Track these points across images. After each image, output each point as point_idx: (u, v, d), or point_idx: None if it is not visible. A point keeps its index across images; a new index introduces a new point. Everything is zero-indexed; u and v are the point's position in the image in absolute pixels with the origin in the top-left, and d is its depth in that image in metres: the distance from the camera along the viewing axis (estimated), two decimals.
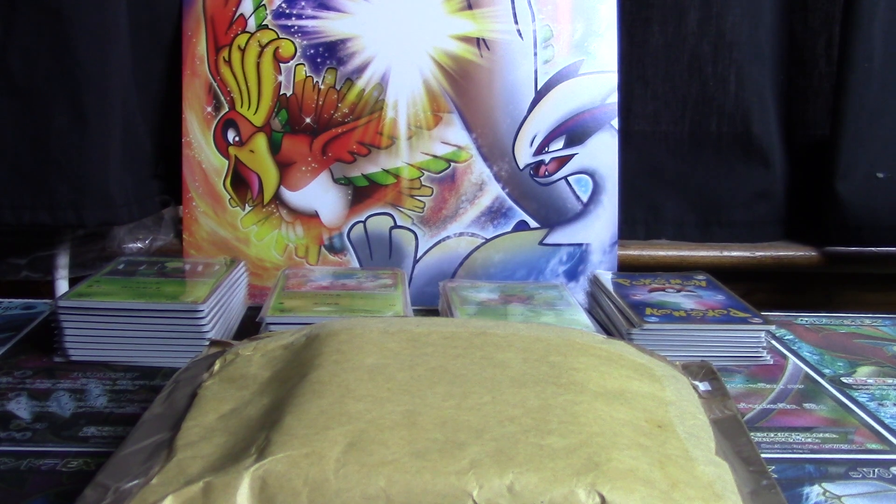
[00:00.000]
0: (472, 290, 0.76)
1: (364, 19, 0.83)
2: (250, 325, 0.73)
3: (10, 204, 0.77)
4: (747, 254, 0.92)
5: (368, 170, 0.84)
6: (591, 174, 0.85)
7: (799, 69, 0.93)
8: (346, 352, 0.48)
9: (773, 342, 0.73)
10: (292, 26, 0.83)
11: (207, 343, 0.58)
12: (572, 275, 0.86)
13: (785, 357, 0.70)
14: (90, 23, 0.76)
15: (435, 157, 0.84)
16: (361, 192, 0.84)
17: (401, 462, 0.37)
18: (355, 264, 0.85)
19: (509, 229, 0.85)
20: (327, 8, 0.83)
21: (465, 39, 0.84)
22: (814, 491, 0.48)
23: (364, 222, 0.85)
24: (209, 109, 0.84)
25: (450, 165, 0.85)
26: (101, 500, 0.38)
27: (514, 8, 0.84)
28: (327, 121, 0.84)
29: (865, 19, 0.85)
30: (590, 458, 0.38)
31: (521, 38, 0.84)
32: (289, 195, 0.84)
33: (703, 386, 0.52)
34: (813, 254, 0.92)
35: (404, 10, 0.83)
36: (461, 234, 0.85)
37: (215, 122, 0.84)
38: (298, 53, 0.83)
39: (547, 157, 0.85)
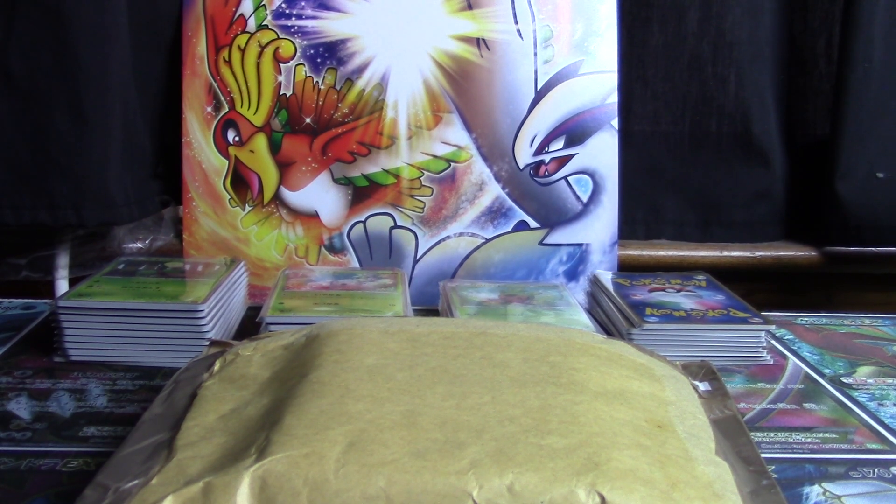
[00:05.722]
0: (472, 290, 0.76)
1: (364, 19, 0.83)
2: (250, 325, 0.73)
3: (10, 204, 0.77)
4: (747, 254, 0.92)
5: (368, 170, 0.84)
6: (591, 174, 0.85)
7: (799, 69, 0.93)
8: (346, 352, 0.48)
9: (773, 342, 0.73)
10: (292, 26, 0.83)
11: (207, 343, 0.58)
12: (572, 275, 0.86)
13: (785, 357, 0.70)
14: (90, 23, 0.76)
15: (435, 157, 0.84)
16: (361, 192, 0.85)
17: (401, 462, 0.37)
18: (355, 264, 0.85)
19: (509, 229, 0.85)
20: (327, 8, 0.83)
21: (465, 39, 0.84)
22: (814, 491, 0.48)
23: (364, 222, 0.85)
24: (209, 109, 0.84)
25: (450, 165, 0.85)
26: (101, 500, 0.38)
27: (514, 8, 0.84)
28: (327, 121, 0.84)
29: (865, 19, 0.84)
30: (590, 458, 0.38)
31: (521, 38, 0.84)
32: (289, 195, 0.84)
33: (703, 386, 0.52)
34: (813, 254, 0.92)
35: (404, 10, 0.83)
36: (461, 234, 0.85)
37: (215, 122, 0.84)
38: (298, 53, 0.83)
39: (547, 157, 0.85)
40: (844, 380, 0.66)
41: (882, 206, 0.88)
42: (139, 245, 0.86)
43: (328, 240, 0.85)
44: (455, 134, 0.84)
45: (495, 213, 0.85)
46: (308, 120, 0.84)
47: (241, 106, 0.84)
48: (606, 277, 0.79)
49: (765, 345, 0.68)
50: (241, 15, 0.83)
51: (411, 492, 0.36)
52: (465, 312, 0.69)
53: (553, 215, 0.85)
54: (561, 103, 0.85)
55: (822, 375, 0.66)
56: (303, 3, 0.83)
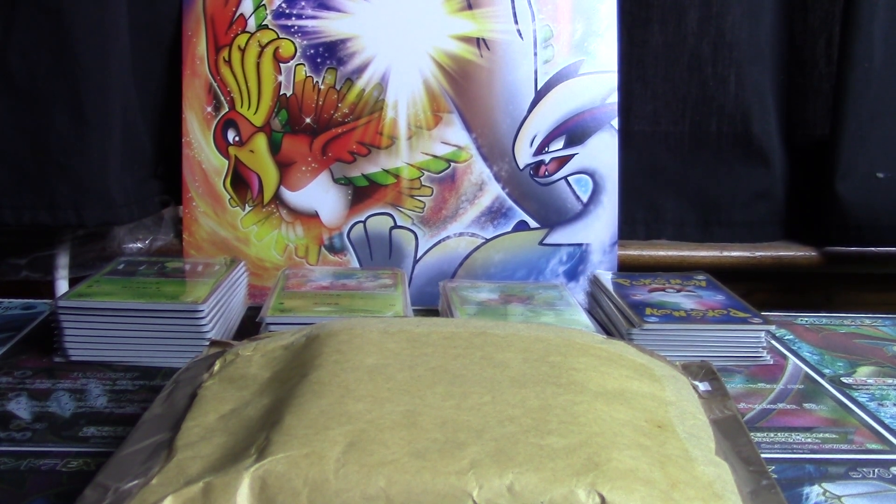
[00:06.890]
0: (472, 290, 0.76)
1: (364, 19, 0.83)
2: (250, 325, 0.73)
3: (10, 204, 0.77)
4: (747, 254, 0.92)
5: (368, 170, 0.84)
6: (591, 174, 0.85)
7: (799, 69, 0.93)
8: (346, 352, 0.48)
9: (773, 342, 0.73)
10: (292, 26, 0.83)
11: (207, 343, 0.58)
12: (572, 275, 0.86)
13: (785, 357, 0.70)
14: (90, 22, 0.76)
15: (435, 157, 0.84)
16: (361, 192, 0.85)
17: (401, 462, 0.37)
18: (355, 264, 0.85)
19: (509, 229, 0.85)
20: (327, 8, 0.83)
21: (465, 39, 0.84)
22: (814, 491, 0.48)
23: (364, 222, 0.85)
24: (209, 109, 0.84)
25: (450, 165, 0.85)
26: (101, 501, 0.38)
27: (514, 8, 0.84)
28: (327, 121, 0.84)
29: (865, 19, 0.85)
30: (590, 458, 0.38)
31: (521, 38, 0.84)
32: (289, 195, 0.84)
33: (703, 386, 0.52)
34: (813, 254, 0.92)
35: (404, 10, 0.83)
36: (461, 234, 0.85)
37: (215, 122, 0.84)
38: (298, 53, 0.83)
39: (547, 157, 0.85)
40: (844, 380, 0.66)
41: (882, 206, 0.88)
42: (139, 245, 0.86)
43: (328, 240, 0.85)
44: (455, 134, 0.84)
45: (495, 213, 0.85)
46: (308, 120, 0.84)
47: (241, 106, 0.84)
48: (606, 277, 0.79)
49: (765, 345, 0.68)
50: (241, 15, 0.83)
51: (411, 492, 0.36)
52: (465, 312, 0.69)
53: (553, 215, 0.85)
54: (561, 103, 0.85)
55: (822, 375, 0.66)
56: (303, 3, 0.83)
